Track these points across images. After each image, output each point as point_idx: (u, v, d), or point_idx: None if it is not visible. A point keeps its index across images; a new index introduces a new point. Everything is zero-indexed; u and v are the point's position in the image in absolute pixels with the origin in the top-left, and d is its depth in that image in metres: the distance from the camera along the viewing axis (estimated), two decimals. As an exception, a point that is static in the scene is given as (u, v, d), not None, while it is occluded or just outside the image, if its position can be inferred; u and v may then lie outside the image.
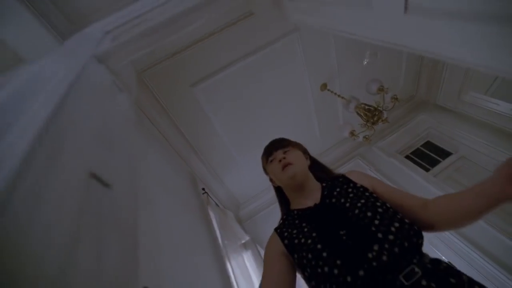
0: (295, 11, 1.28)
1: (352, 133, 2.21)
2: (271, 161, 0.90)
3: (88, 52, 0.90)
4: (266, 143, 1.00)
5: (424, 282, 0.53)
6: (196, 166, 2.36)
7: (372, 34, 0.80)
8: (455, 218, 0.66)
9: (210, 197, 2.00)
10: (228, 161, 2.62)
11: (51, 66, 0.65)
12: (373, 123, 2.04)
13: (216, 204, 2.11)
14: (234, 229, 2.13)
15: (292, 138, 1.01)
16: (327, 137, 3.01)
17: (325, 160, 2.20)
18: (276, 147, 0.92)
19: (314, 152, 1.05)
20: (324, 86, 2.45)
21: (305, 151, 0.98)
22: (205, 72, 2.01)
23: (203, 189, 1.98)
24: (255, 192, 3.05)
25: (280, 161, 0.86)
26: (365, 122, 2.08)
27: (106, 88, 0.81)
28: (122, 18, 1.07)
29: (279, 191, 0.96)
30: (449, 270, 0.57)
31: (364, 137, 2.18)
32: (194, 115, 2.19)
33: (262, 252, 1.30)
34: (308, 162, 0.93)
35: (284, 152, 0.89)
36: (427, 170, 2.71)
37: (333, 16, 0.98)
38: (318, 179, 0.90)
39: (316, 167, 0.97)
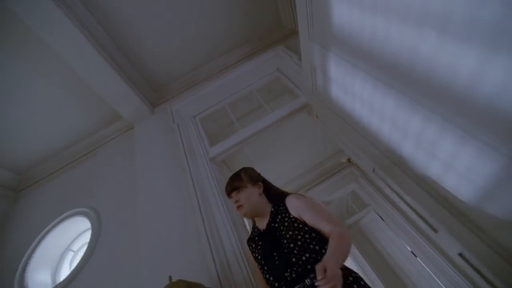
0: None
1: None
2: (230, 198, 1.17)
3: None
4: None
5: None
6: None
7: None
8: None
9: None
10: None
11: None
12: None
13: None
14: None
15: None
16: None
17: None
18: (229, 190, 1.15)
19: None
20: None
21: (256, 180, 1.18)
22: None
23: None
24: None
25: (236, 202, 1.12)
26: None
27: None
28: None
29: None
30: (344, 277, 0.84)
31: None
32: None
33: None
34: (261, 190, 1.15)
35: (237, 194, 1.12)
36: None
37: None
38: (270, 198, 1.14)
39: (269, 190, 1.18)
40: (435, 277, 3.02)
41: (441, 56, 0.75)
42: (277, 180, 3.55)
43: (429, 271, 3.19)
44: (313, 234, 0.93)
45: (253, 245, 1.04)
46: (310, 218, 0.96)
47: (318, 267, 0.70)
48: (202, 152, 1.94)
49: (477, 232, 0.97)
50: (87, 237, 2.29)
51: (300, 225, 0.95)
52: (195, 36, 2.54)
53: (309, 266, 0.86)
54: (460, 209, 1.00)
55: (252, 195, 1.11)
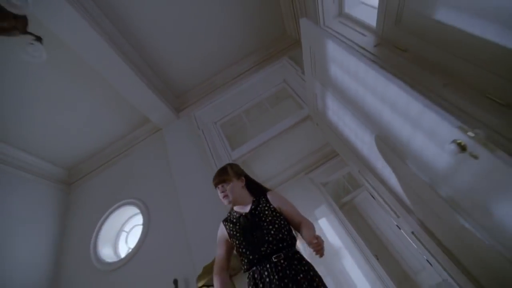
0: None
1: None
2: (216, 188, 1.34)
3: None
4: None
5: (282, 260, 1.08)
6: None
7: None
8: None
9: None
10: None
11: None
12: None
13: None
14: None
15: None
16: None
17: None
18: (217, 182, 1.32)
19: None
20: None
21: (240, 175, 1.35)
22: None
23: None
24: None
25: (222, 192, 1.30)
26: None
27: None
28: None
29: None
30: (299, 259, 1.12)
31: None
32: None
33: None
34: (243, 184, 1.33)
35: (223, 185, 1.29)
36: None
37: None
38: (252, 191, 1.34)
39: (250, 184, 1.37)
40: (419, 251, 3.67)
41: (387, 118, 1.24)
42: (279, 165, 4.11)
43: (415, 246, 3.84)
44: (285, 223, 1.21)
45: (231, 225, 1.25)
46: (288, 210, 1.24)
47: (310, 235, 1.03)
48: (226, 155, 2.45)
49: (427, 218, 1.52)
50: (134, 221, 2.90)
51: (278, 214, 1.22)
52: (209, 47, 2.91)
53: (280, 245, 1.12)
54: (410, 201, 1.56)
55: (236, 187, 1.29)
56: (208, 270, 1.58)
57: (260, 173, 3.81)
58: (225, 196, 1.28)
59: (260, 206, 1.25)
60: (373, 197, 4.84)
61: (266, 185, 1.50)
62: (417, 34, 1.75)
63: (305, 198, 5.49)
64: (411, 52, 1.90)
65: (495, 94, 1.45)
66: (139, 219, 2.74)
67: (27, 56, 1.34)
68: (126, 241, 2.81)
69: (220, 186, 1.30)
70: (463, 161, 0.94)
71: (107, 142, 3.26)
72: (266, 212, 1.22)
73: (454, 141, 0.92)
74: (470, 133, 0.88)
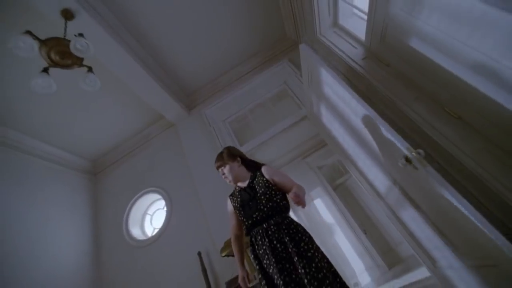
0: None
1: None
2: (217, 170, 1.52)
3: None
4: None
5: (271, 226, 1.26)
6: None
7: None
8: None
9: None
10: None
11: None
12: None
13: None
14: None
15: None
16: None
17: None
18: (217, 167, 1.51)
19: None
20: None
21: (235, 156, 1.50)
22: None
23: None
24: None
25: (222, 174, 1.50)
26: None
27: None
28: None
29: None
30: (288, 223, 1.28)
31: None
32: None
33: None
34: (239, 163, 1.49)
35: (222, 169, 1.48)
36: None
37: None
38: (249, 168, 1.52)
39: (246, 162, 1.54)
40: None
41: (361, 131, 1.65)
42: (278, 151, 4.56)
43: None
44: (278, 192, 1.35)
45: (234, 199, 1.44)
46: (280, 179, 1.39)
47: (291, 193, 1.19)
48: (235, 151, 2.87)
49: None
50: (156, 206, 3.38)
51: (270, 185, 1.37)
52: (216, 50, 3.20)
53: (270, 212, 1.28)
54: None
55: (232, 168, 1.46)
56: (228, 244, 2.07)
57: (261, 158, 4.27)
58: (225, 178, 1.48)
59: (256, 179, 1.43)
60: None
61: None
62: (397, 53, 2.11)
63: (302, 181, 6.01)
64: (392, 67, 2.27)
65: (450, 108, 1.88)
66: (160, 204, 3.22)
67: (85, 86, 1.70)
68: (151, 223, 3.31)
69: (220, 170, 1.49)
70: (409, 170, 1.38)
71: (126, 137, 3.64)
72: (260, 184, 1.39)
73: (404, 157, 1.35)
74: (413, 153, 1.31)
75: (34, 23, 1.90)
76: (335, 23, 2.79)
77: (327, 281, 1.10)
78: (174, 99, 3.23)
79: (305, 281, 1.10)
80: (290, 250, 1.19)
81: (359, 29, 2.51)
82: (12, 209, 2.48)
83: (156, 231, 3.11)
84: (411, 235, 1.87)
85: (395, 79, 2.24)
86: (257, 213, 1.30)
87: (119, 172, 3.58)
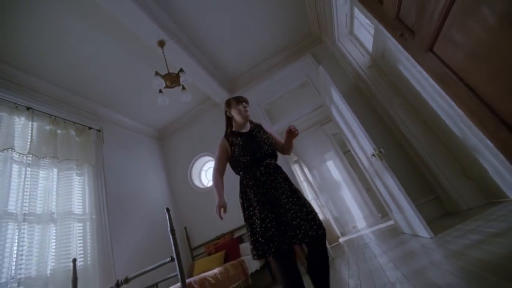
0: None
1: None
2: (239, 103, 1.63)
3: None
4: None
5: (271, 164, 1.48)
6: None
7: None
8: (287, 149, 1.64)
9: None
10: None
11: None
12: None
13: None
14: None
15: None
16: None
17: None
18: (245, 100, 1.65)
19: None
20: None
21: None
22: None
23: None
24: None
25: (244, 107, 1.62)
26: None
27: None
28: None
29: (228, 119, 1.71)
30: (281, 168, 1.52)
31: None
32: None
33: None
34: None
35: (246, 105, 1.64)
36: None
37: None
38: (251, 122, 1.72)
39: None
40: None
41: (356, 134, 2.65)
42: (300, 118, 5.59)
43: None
44: (274, 144, 1.57)
45: (233, 138, 1.57)
46: (276, 136, 1.66)
47: (290, 127, 1.47)
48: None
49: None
50: (208, 165, 4.70)
51: (270, 137, 1.59)
52: (251, 46, 4.00)
53: (270, 154, 1.49)
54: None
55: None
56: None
57: (284, 123, 5.24)
58: (246, 111, 1.60)
59: (256, 129, 1.62)
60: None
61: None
62: (391, 68, 2.92)
63: (318, 145, 7.19)
64: (388, 77, 3.10)
65: (421, 115, 2.79)
66: (211, 164, 4.52)
67: (184, 98, 2.77)
68: (206, 176, 4.69)
69: (245, 104, 1.64)
70: (375, 161, 2.41)
71: (182, 113, 4.80)
72: (261, 133, 1.60)
73: (373, 153, 2.37)
74: (377, 151, 2.32)
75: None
76: (351, 32, 3.49)
77: (313, 213, 1.35)
78: (219, 85, 4.22)
79: (294, 211, 1.33)
80: (286, 186, 1.42)
81: (369, 39, 3.23)
82: (124, 164, 3.86)
83: (210, 182, 4.49)
84: (381, 194, 2.99)
85: (388, 87, 3.11)
86: (261, 151, 1.47)
87: (179, 139, 4.85)
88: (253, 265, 3.10)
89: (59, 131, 3.03)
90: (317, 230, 1.29)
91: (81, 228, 2.77)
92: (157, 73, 2.53)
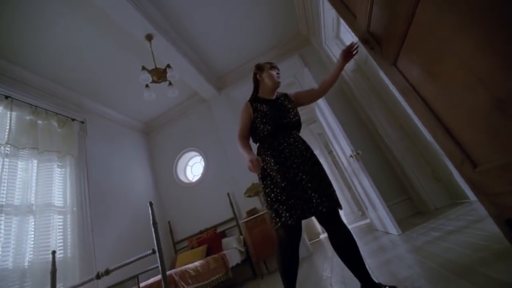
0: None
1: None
2: (273, 68, 1.55)
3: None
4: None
5: (296, 135, 1.42)
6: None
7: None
8: (331, 83, 1.52)
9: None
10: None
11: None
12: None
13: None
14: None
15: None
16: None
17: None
18: (278, 68, 1.58)
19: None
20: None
21: None
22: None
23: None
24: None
25: (278, 73, 1.55)
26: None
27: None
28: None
29: (256, 82, 1.60)
30: (304, 140, 1.43)
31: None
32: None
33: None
34: None
35: (278, 71, 1.56)
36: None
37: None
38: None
39: None
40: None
41: (335, 134, 2.77)
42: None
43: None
44: (298, 110, 1.50)
45: (259, 104, 1.48)
46: (302, 92, 1.58)
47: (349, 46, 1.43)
48: (253, 127, 4.02)
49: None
50: (194, 160, 4.72)
51: (294, 105, 1.51)
52: (240, 44, 4.04)
53: (295, 124, 1.43)
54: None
55: None
56: (249, 189, 3.42)
57: None
58: (278, 77, 1.54)
59: (283, 98, 1.54)
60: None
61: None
62: (373, 73, 3.05)
63: (304, 144, 7.30)
64: (370, 82, 3.24)
65: (399, 120, 2.94)
66: (197, 159, 4.55)
67: (171, 94, 2.78)
68: (191, 171, 4.71)
69: (277, 70, 1.57)
70: (354, 161, 2.54)
71: (169, 107, 4.78)
72: (287, 101, 1.51)
73: (351, 154, 2.49)
74: (355, 152, 2.45)
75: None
76: (337, 36, 3.60)
77: (332, 188, 1.30)
78: (207, 81, 4.23)
79: (315, 183, 1.26)
80: (308, 155, 1.36)
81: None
82: (108, 157, 3.83)
83: (195, 177, 4.52)
84: (358, 193, 3.15)
85: (370, 91, 3.25)
86: (286, 119, 1.41)
87: (166, 134, 4.84)
88: (234, 259, 3.18)
89: (40, 122, 2.97)
90: (335, 206, 1.24)
91: (61, 220, 2.75)
92: (143, 68, 2.53)
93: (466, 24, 0.60)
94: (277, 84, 1.53)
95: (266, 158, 1.36)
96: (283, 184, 1.26)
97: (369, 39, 1.13)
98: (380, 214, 2.51)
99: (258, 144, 1.48)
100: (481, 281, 0.87)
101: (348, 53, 1.44)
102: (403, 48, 0.89)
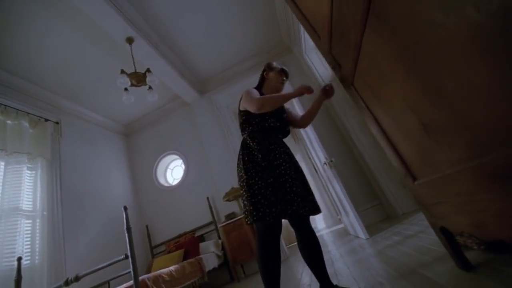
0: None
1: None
2: (282, 74, 1.58)
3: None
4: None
5: (282, 141, 1.45)
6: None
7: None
8: (310, 117, 1.57)
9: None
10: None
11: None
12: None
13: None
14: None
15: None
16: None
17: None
18: (286, 75, 1.60)
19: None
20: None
21: None
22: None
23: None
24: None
25: (283, 81, 1.59)
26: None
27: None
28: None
29: (263, 78, 1.63)
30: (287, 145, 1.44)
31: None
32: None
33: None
34: None
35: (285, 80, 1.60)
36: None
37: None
38: None
39: None
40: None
41: (312, 143, 2.88)
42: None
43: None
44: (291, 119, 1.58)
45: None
46: (292, 113, 1.65)
47: (327, 85, 1.44)
48: (235, 131, 4.06)
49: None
50: (175, 163, 4.68)
51: (286, 116, 1.54)
52: (223, 49, 4.10)
53: (286, 130, 1.48)
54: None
55: None
56: (228, 193, 3.45)
57: None
58: (283, 85, 1.58)
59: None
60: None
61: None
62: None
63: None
64: (344, 91, 3.37)
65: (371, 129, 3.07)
66: (178, 162, 4.52)
67: (150, 98, 2.76)
68: (171, 175, 4.66)
69: (286, 78, 1.60)
70: (327, 168, 2.66)
71: (150, 109, 4.72)
72: (283, 109, 1.56)
73: (325, 162, 2.61)
74: (329, 160, 2.56)
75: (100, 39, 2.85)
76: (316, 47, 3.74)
77: (313, 194, 1.34)
78: (189, 85, 4.24)
79: (298, 187, 1.28)
80: (293, 161, 1.39)
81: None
82: (84, 159, 3.72)
83: (175, 181, 4.49)
84: (333, 199, 3.27)
85: (345, 100, 3.39)
86: (280, 123, 1.44)
87: (146, 136, 4.77)
88: (211, 263, 3.19)
89: (9, 122, 2.85)
90: (316, 211, 1.29)
91: (29, 225, 2.65)
92: (122, 71, 2.51)
93: (399, 56, 0.69)
94: (276, 88, 1.56)
95: (254, 152, 1.36)
96: (269, 180, 1.27)
97: (331, 60, 1.22)
98: (351, 220, 2.63)
99: (245, 136, 1.44)
100: (417, 281, 0.97)
101: (326, 91, 1.48)
102: (357, 71, 0.99)
